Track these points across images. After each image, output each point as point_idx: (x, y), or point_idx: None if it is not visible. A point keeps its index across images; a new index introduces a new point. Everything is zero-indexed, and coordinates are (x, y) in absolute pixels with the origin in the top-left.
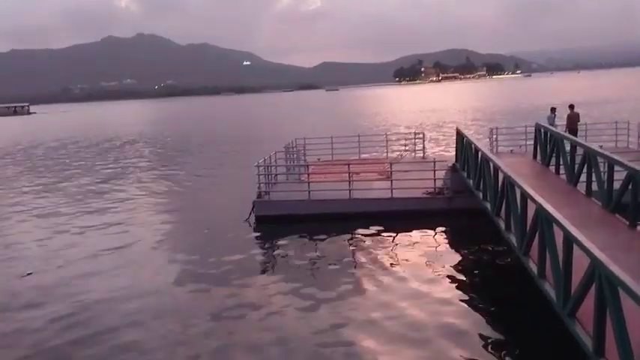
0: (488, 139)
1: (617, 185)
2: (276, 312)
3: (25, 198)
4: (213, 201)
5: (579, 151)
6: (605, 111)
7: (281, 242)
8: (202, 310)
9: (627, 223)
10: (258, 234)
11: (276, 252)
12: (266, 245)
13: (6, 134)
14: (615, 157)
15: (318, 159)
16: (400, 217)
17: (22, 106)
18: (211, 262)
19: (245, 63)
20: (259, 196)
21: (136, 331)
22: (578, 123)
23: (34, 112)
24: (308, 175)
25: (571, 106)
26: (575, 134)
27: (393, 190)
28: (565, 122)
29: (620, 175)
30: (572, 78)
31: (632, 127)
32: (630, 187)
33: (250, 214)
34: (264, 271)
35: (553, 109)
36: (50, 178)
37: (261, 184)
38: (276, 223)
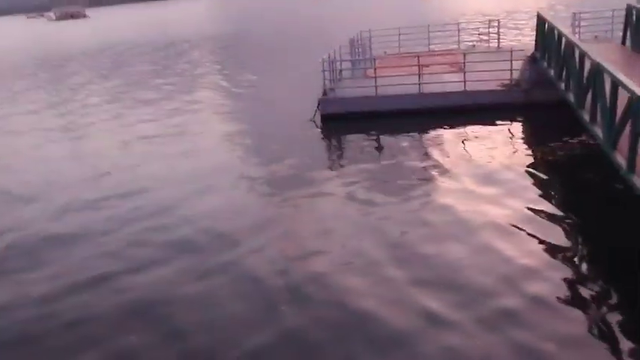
0: (570, 25)
1: None
2: (348, 218)
3: (95, 102)
4: (278, 101)
5: None
6: None
7: (348, 141)
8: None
9: None
10: (324, 133)
11: (343, 152)
12: (333, 146)
13: (71, 39)
14: None
15: (385, 52)
16: (474, 111)
17: (78, 10)
18: (275, 167)
19: None
20: (325, 93)
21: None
22: None
23: (88, 16)
24: (375, 69)
25: None
26: None
27: (466, 83)
28: None
29: None
30: None
31: None
32: None
33: (315, 112)
34: (332, 171)
35: None
36: (119, 83)
37: (326, 81)
38: (342, 120)
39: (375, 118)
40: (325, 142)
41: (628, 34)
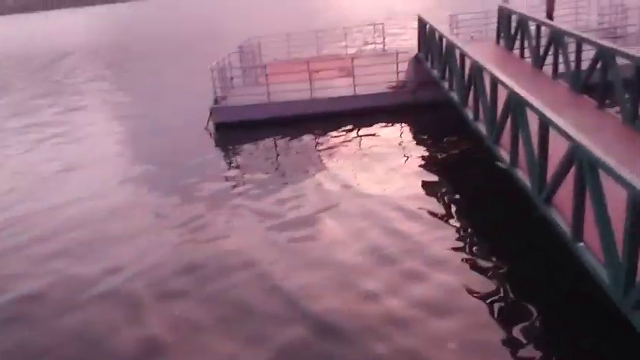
0: (449, 27)
1: (584, 66)
2: (239, 228)
3: None
4: (170, 110)
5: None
6: None
7: (241, 149)
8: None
9: (596, 103)
10: (217, 142)
11: (237, 160)
12: (225, 154)
13: None
14: (584, 34)
15: (275, 59)
16: (365, 113)
17: None
18: (171, 175)
19: None
20: (216, 101)
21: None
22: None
23: None
24: (266, 76)
25: None
26: (552, 14)
27: (356, 87)
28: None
29: (586, 56)
30: None
31: (594, 4)
32: (599, 66)
33: (209, 121)
34: (225, 181)
35: None
36: None
37: (217, 89)
38: (236, 128)
39: (268, 125)
40: (218, 151)
41: (501, 33)
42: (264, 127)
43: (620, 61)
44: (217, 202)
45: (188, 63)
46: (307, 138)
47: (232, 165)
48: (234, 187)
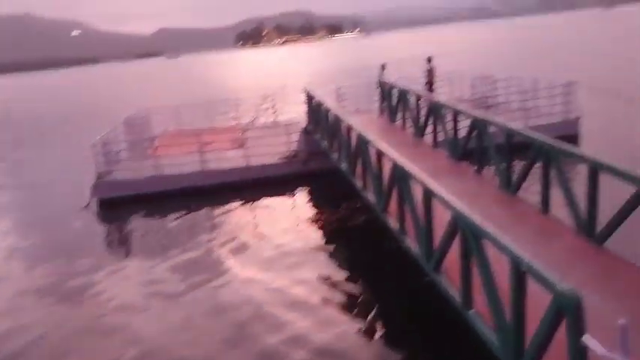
0: (335, 99)
1: (462, 134)
2: (128, 307)
3: None
4: (49, 190)
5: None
6: (441, 64)
7: (129, 227)
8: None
9: (474, 169)
10: (102, 220)
11: (123, 238)
12: (112, 233)
13: None
14: (459, 107)
15: (165, 130)
16: (257, 185)
17: None
18: (51, 262)
19: (74, 33)
20: (99, 177)
21: None
22: (435, 76)
23: None
24: (155, 149)
25: (429, 59)
26: (432, 87)
27: (248, 158)
28: (425, 75)
29: (463, 124)
30: (408, 34)
31: (467, 78)
32: (474, 134)
33: (90, 199)
34: (112, 260)
35: (383, 66)
36: None
37: (101, 164)
38: (122, 205)
39: (157, 199)
40: (101, 231)
41: (384, 105)
42: (152, 202)
43: (493, 128)
44: (97, 275)
45: (72, 140)
46: (197, 211)
47: (114, 242)
48: (115, 263)
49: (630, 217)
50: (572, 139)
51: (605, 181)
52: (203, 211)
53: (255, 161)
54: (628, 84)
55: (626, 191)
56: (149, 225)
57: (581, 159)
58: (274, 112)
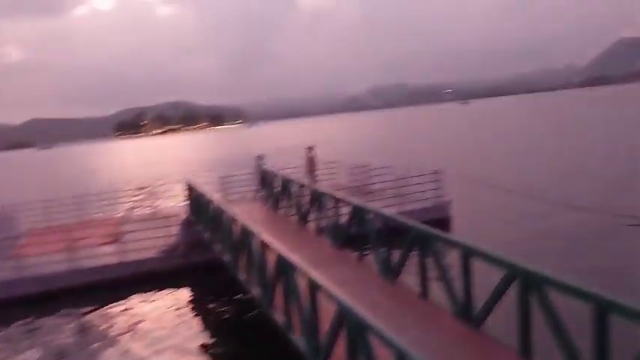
0: (217, 189)
1: (344, 221)
2: None
3: None
4: None
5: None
6: (321, 153)
7: None
8: None
9: (356, 256)
10: None
11: None
12: None
13: None
14: (339, 194)
15: (32, 227)
16: (135, 281)
17: None
18: None
19: None
20: None
21: None
22: (316, 164)
23: None
24: (20, 248)
25: (309, 148)
26: (314, 175)
27: (124, 253)
28: (306, 163)
29: (344, 211)
30: (290, 125)
31: (345, 166)
32: (355, 221)
33: None
34: None
35: (260, 157)
36: None
37: None
38: None
39: (19, 304)
40: None
41: (267, 194)
42: (13, 307)
43: (372, 215)
44: None
45: None
46: (64, 316)
47: None
48: None
49: (503, 299)
50: (445, 221)
51: (480, 264)
52: (72, 315)
53: (133, 256)
54: (485, 169)
55: (498, 275)
56: (6, 336)
57: (454, 244)
58: (153, 204)
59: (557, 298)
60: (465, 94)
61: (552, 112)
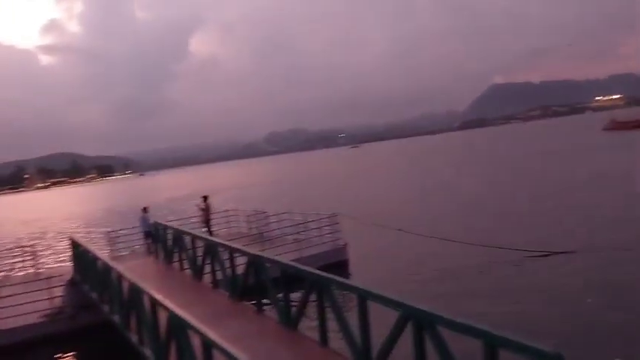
0: (105, 245)
1: (240, 271)
2: None
3: None
4: None
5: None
6: (216, 201)
7: None
8: None
9: (254, 307)
10: None
11: None
12: None
13: None
14: (235, 245)
15: None
16: (14, 350)
17: None
18: None
19: None
20: None
21: None
22: (212, 213)
23: None
24: None
25: (205, 197)
26: (209, 225)
27: (1, 320)
28: (201, 213)
29: (241, 261)
30: (184, 174)
31: (243, 214)
32: (252, 271)
33: None
34: None
35: (145, 209)
36: None
37: None
38: None
39: None
40: None
41: (159, 248)
42: None
43: (269, 264)
44: None
45: None
46: None
47: None
48: None
49: (400, 341)
50: (343, 264)
51: (377, 306)
52: None
53: (10, 323)
54: (377, 210)
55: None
56: None
57: (350, 288)
58: (34, 264)
59: (450, 337)
60: (357, 139)
61: (435, 153)
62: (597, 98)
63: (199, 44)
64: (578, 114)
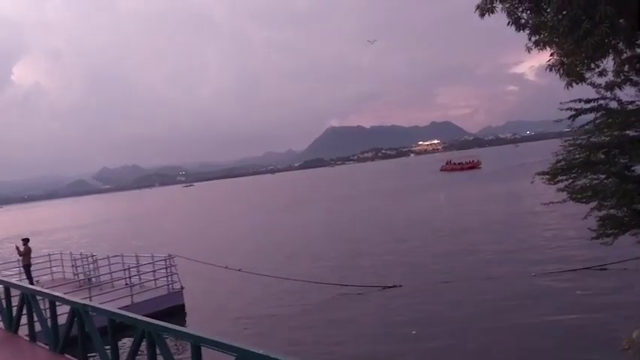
0: None
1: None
2: None
3: None
4: None
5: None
6: (39, 243)
7: None
8: None
9: None
10: None
11: None
12: None
13: None
14: (55, 293)
15: None
16: None
17: None
18: None
19: None
20: None
21: None
22: (32, 258)
23: None
24: None
25: (25, 240)
26: (29, 270)
27: None
28: (20, 258)
29: (64, 311)
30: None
31: (65, 257)
32: (76, 321)
33: None
34: None
35: None
36: None
37: None
38: None
39: None
40: None
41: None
42: None
43: (96, 313)
44: None
45: None
46: None
47: None
48: None
49: None
50: (179, 309)
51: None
52: None
53: None
54: (213, 250)
55: None
56: None
57: (184, 335)
58: None
59: None
60: (198, 177)
61: (274, 192)
62: (420, 143)
63: (23, 72)
64: (404, 156)
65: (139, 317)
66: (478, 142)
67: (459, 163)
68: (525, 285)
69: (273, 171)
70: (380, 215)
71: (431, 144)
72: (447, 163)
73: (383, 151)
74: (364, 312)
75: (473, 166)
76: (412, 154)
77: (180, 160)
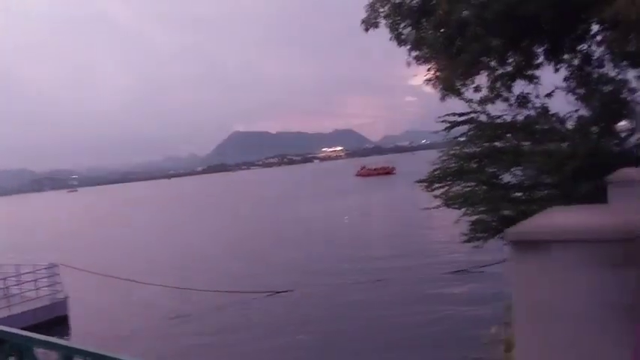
0: None
1: None
2: None
3: None
4: None
5: None
6: None
7: None
8: None
9: None
10: None
11: None
12: None
13: None
14: None
15: None
16: None
17: None
18: None
19: None
20: None
21: None
22: None
23: None
24: None
25: None
26: None
27: None
28: None
29: None
30: None
31: None
32: None
33: None
34: None
35: None
36: None
37: None
38: None
39: None
40: None
41: None
42: None
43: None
44: None
45: None
46: None
47: None
48: None
49: None
50: (63, 319)
51: None
52: None
53: None
54: (98, 258)
55: None
56: None
57: (55, 347)
58: None
59: None
60: (91, 181)
61: (181, 195)
62: (323, 149)
63: None
64: (309, 162)
65: (9, 329)
66: (379, 149)
67: (375, 169)
68: (410, 287)
69: (170, 176)
70: (286, 221)
71: (334, 150)
72: (362, 169)
73: (288, 157)
74: (249, 317)
75: (388, 171)
76: (317, 160)
77: (76, 163)
